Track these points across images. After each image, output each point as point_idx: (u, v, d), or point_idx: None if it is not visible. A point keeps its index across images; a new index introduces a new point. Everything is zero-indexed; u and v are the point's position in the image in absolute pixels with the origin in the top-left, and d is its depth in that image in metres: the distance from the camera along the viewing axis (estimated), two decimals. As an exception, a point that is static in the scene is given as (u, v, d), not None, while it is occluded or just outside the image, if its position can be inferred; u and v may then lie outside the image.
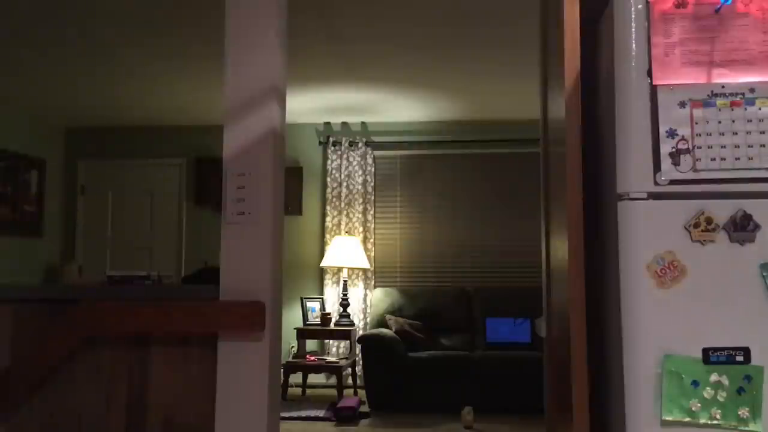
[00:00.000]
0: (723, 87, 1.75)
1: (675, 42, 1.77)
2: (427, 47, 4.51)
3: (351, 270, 6.21)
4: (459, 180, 6.44)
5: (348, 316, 6.00)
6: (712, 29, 1.77)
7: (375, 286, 6.33)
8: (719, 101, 1.75)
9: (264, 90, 2.15)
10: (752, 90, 1.74)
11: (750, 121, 1.73)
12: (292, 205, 6.43)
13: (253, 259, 2.11)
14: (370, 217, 6.40)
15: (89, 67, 4.93)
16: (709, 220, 1.72)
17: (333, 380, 6.10)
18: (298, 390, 5.98)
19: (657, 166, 1.74)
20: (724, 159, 1.73)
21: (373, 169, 6.48)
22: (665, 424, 1.69)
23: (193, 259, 6.37)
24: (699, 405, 1.67)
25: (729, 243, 1.71)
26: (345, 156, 6.46)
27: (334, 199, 6.45)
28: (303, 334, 5.91)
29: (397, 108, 6.08)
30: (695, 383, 1.68)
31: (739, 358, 1.68)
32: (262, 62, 2.16)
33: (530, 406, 4.97)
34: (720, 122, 1.74)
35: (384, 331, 5.59)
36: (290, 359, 5.85)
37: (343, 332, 5.87)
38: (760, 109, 1.73)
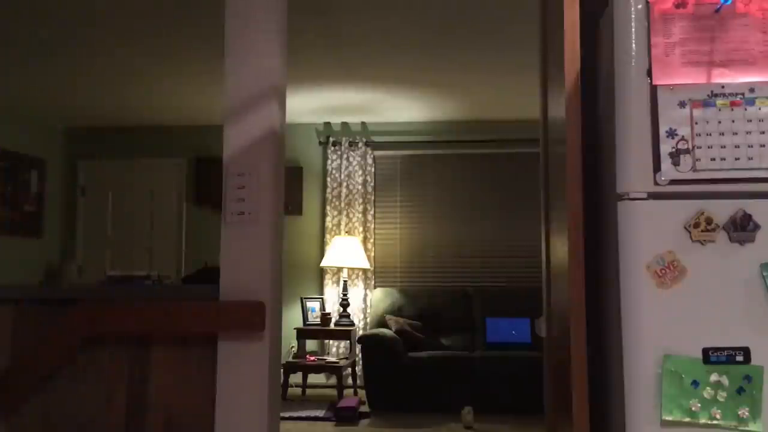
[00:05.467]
0: (723, 87, 1.75)
1: (675, 42, 1.77)
2: (427, 47, 4.51)
3: (351, 270, 6.21)
4: (459, 180, 6.44)
5: (348, 316, 6.00)
6: (711, 29, 1.77)
7: (375, 286, 6.33)
8: (719, 101, 1.75)
9: (264, 90, 2.15)
10: (752, 90, 1.74)
11: (750, 121, 1.73)
12: (292, 205, 6.43)
13: (253, 259, 2.11)
14: (370, 217, 6.40)
15: (89, 67, 4.93)
16: (709, 220, 1.72)
17: (333, 380, 6.10)
18: (298, 390, 5.98)
19: (657, 166, 1.74)
20: (724, 159, 1.73)
21: (373, 169, 6.48)
22: (665, 424, 1.69)
23: (193, 259, 6.37)
24: (699, 405, 1.67)
25: (729, 243, 1.71)
26: (345, 156, 6.46)
27: (334, 199, 6.45)
28: (303, 334, 5.91)
29: (397, 108, 6.08)
30: (695, 383, 1.68)
31: (739, 358, 1.68)
32: (262, 62, 2.16)
33: (530, 406, 4.97)
34: (720, 122, 1.74)
35: (384, 331, 5.59)
36: (290, 359, 5.85)
37: (343, 332, 5.87)
38: (760, 109, 1.73)
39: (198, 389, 2.11)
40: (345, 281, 6.09)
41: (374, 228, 6.43)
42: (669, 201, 1.74)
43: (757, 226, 1.70)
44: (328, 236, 6.39)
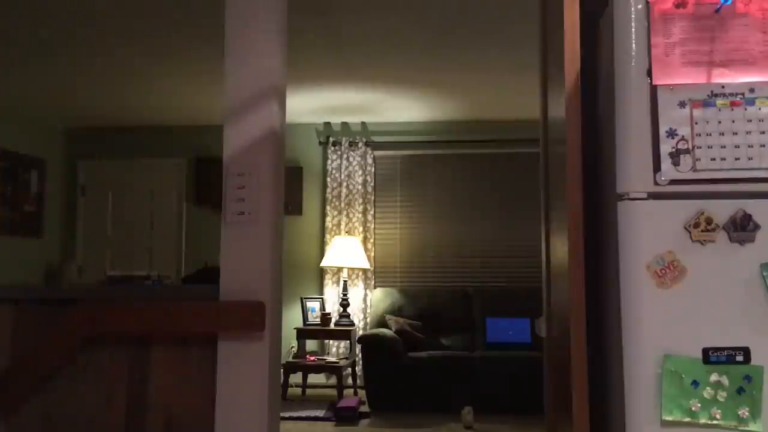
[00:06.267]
0: (723, 87, 1.75)
1: (675, 42, 1.77)
2: (427, 47, 4.51)
3: (351, 270, 6.21)
4: (459, 180, 6.44)
5: (348, 316, 6.00)
6: (712, 29, 1.77)
7: (375, 286, 6.33)
8: (719, 101, 1.75)
9: (264, 90, 2.15)
10: (752, 90, 1.74)
11: (750, 121, 1.73)
12: (292, 205, 6.43)
13: (253, 259, 2.11)
14: (370, 217, 6.40)
15: (89, 67, 4.93)
16: (709, 220, 1.72)
17: (333, 380, 6.10)
18: (298, 390, 5.98)
19: (657, 166, 1.74)
20: (724, 159, 1.73)
21: (373, 169, 6.48)
22: (665, 424, 1.69)
23: (193, 259, 6.37)
24: (699, 405, 1.67)
25: (729, 243, 1.71)
26: (345, 156, 6.46)
27: (334, 199, 6.45)
28: (303, 334, 5.91)
29: (397, 108, 6.08)
30: (695, 383, 1.68)
31: (739, 358, 1.68)
32: (262, 62, 2.16)
33: (530, 406, 4.97)
34: (720, 122, 1.74)
35: (384, 331, 5.59)
36: (290, 359, 5.85)
37: (343, 332, 5.87)
38: (760, 109, 1.73)
39: (198, 389, 2.11)
40: (345, 281, 6.09)
41: (374, 228, 6.43)
42: (669, 201, 1.74)
43: (757, 226, 1.70)
44: (328, 236, 6.39)
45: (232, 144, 2.15)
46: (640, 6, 1.79)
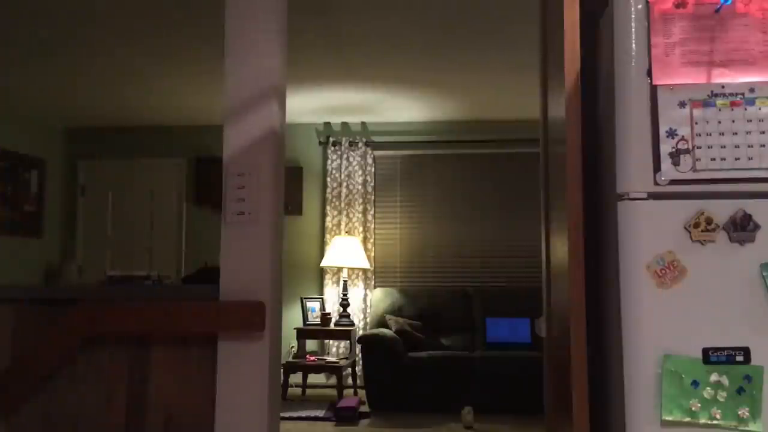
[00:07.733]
0: (723, 87, 1.75)
1: (675, 42, 1.77)
2: (427, 47, 4.51)
3: (351, 270, 6.21)
4: (459, 180, 6.44)
5: (348, 316, 6.00)
6: (711, 29, 1.77)
7: (375, 286, 6.33)
8: (719, 101, 1.75)
9: (264, 90, 2.15)
10: (752, 90, 1.74)
11: (750, 121, 1.73)
12: (292, 205, 6.43)
13: (253, 259, 2.11)
14: (370, 217, 6.40)
15: (89, 67, 4.93)
16: (709, 220, 1.72)
17: (333, 380, 6.10)
18: (298, 390, 5.98)
19: (657, 166, 1.74)
20: (724, 159, 1.73)
21: (373, 169, 6.48)
22: (665, 424, 1.69)
23: (193, 259, 6.37)
24: (699, 405, 1.67)
25: (729, 243, 1.71)
26: (345, 156, 6.46)
27: (334, 199, 6.45)
28: (303, 334, 5.91)
29: (397, 108, 6.08)
30: (695, 383, 1.68)
31: (739, 358, 1.68)
32: (262, 62, 2.16)
33: (530, 406, 4.97)
34: (720, 122, 1.74)
35: (384, 331, 5.59)
36: (290, 359, 5.85)
37: (343, 332, 5.87)
38: (760, 109, 1.73)
39: (198, 389, 2.11)
40: (345, 281, 6.09)
41: (374, 228, 6.43)
42: (669, 201, 1.74)
43: (757, 226, 1.70)
44: (328, 236, 6.39)
45: (232, 144, 2.15)
46: (640, 6, 1.79)
